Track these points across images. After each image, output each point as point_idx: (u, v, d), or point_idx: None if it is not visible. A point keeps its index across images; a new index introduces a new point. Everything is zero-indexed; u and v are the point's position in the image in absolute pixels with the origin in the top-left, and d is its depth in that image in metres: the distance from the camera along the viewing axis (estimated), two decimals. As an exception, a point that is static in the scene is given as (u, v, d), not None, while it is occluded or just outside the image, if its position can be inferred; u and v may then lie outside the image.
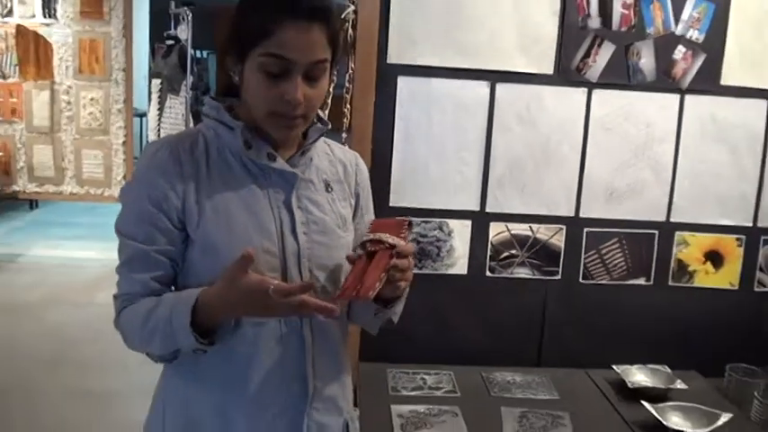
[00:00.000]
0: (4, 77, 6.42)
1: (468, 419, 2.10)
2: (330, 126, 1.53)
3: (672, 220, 2.57)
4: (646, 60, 2.47)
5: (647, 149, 2.51)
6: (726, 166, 2.56)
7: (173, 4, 6.83)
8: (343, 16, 2.44)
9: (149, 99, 6.73)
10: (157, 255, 1.38)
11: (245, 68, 1.35)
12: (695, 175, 2.55)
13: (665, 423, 2.03)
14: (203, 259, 1.39)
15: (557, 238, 2.53)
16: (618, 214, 2.54)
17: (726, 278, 2.63)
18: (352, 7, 2.48)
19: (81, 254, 6.51)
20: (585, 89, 2.47)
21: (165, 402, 1.51)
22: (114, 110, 6.41)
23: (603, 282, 2.57)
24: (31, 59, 6.33)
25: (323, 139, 1.56)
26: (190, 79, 6.38)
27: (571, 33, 2.44)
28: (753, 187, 2.59)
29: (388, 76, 2.41)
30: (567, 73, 2.46)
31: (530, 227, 2.52)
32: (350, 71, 2.49)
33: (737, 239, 2.62)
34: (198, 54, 7.80)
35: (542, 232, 2.53)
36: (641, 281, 2.59)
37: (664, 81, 2.49)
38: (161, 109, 6.48)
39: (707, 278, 2.62)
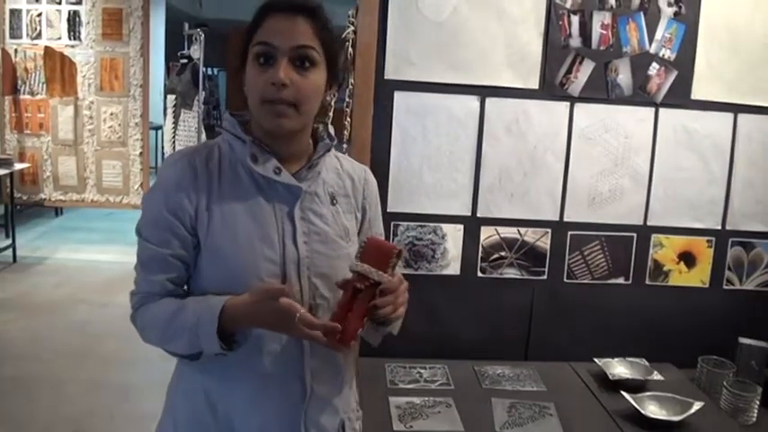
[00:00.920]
0: (33, 94, 6.43)
1: (461, 410, 2.08)
2: (336, 141, 1.50)
3: (648, 223, 2.55)
4: (623, 76, 2.46)
5: (625, 158, 2.50)
6: (697, 174, 2.55)
7: (186, 26, 6.84)
8: (343, 36, 2.42)
9: (164, 113, 6.73)
10: (172, 258, 1.39)
11: (247, 70, 1.38)
12: (669, 181, 2.53)
13: (642, 411, 2.03)
14: (210, 264, 1.39)
15: (543, 240, 2.51)
16: (599, 218, 2.52)
17: (698, 277, 2.62)
18: (352, 28, 2.46)
19: (101, 257, 6.50)
20: (568, 103, 2.46)
21: (176, 396, 1.50)
22: (132, 123, 6.42)
23: (586, 281, 2.55)
24: (57, 78, 6.34)
25: (333, 152, 1.54)
26: (202, 95, 6.39)
27: (554, 51, 2.42)
28: (721, 193, 2.58)
29: (385, 91, 2.40)
30: (551, 88, 2.44)
31: (518, 230, 2.50)
32: (350, 87, 2.47)
33: (708, 241, 2.60)
34: (209, 72, 7.80)
35: (529, 235, 2.51)
36: (621, 280, 2.57)
37: (640, 95, 2.48)
38: (175, 122, 6.48)
39: (680, 277, 2.60)
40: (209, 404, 1.43)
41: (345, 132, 2.55)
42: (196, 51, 6.46)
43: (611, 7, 2.42)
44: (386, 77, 2.39)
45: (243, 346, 1.37)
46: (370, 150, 2.40)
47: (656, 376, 2.34)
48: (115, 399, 3.81)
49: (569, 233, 2.52)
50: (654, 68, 2.47)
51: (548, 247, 2.52)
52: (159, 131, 8.58)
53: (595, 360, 2.36)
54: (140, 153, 6.48)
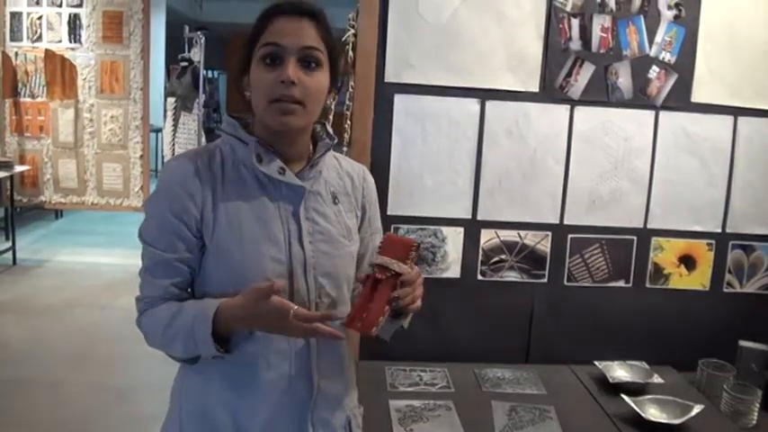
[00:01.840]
0: (34, 97, 6.43)
1: (462, 413, 2.08)
2: (337, 141, 1.51)
3: (649, 226, 2.55)
4: (623, 80, 2.46)
5: (625, 161, 2.50)
6: (697, 177, 2.55)
7: (187, 29, 6.84)
8: (343, 39, 2.43)
9: (165, 116, 6.73)
10: (177, 263, 1.39)
11: (251, 73, 1.38)
12: (669, 184, 2.53)
13: (642, 415, 2.02)
14: (217, 265, 1.39)
15: (543, 243, 2.51)
16: (599, 221, 2.52)
17: (698, 280, 2.61)
18: (352, 31, 2.47)
19: (102, 259, 6.50)
20: (568, 106, 2.46)
21: (182, 397, 1.49)
22: (132, 126, 6.42)
23: (586, 284, 2.55)
24: (57, 81, 6.34)
25: (332, 152, 1.55)
26: (202, 98, 6.39)
27: (555, 55, 2.42)
28: (721, 196, 2.58)
29: (385, 94, 2.40)
30: (551, 91, 2.44)
31: (518, 233, 2.50)
32: (350, 90, 2.47)
33: (708, 244, 2.60)
34: (210, 74, 7.81)
35: (530, 238, 2.51)
36: (621, 283, 2.57)
37: (640, 99, 2.48)
38: (175, 125, 6.48)
39: (681, 280, 2.60)
40: (217, 404, 1.43)
41: (346, 135, 2.56)
42: (196, 54, 6.46)
43: (611, 10, 2.42)
44: (386, 80, 2.39)
45: (248, 347, 1.38)
46: (371, 153, 2.40)
47: (657, 379, 2.34)
48: (115, 401, 3.80)
49: (569, 236, 2.52)
50: (654, 71, 2.47)
51: (548, 250, 2.52)
52: (159, 134, 8.59)
53: (596, 363, 2.36)
54: (141, 156, 6.48)
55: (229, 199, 1.39)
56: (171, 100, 6.57)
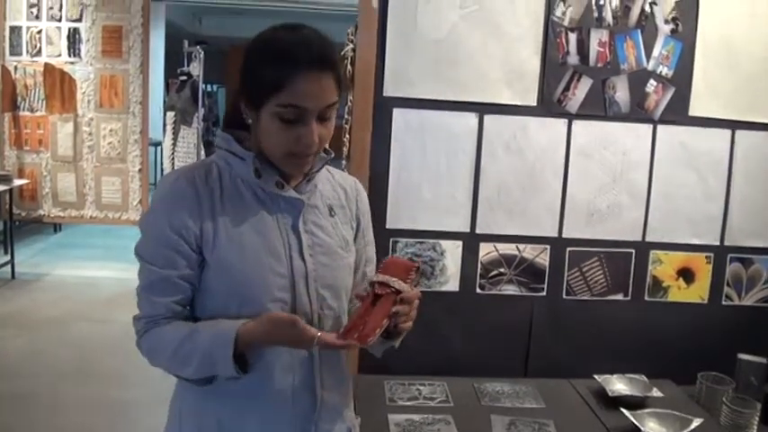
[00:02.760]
0: (33, 111, 6.44)
1: (461, 427, 2.07)
2: (333, 155, 1.51)
3: (647, 239, 2.55)
4: (621, 93, 2.47)
5: (623, 175, 2.51)
6: (695, 190, 2.56)
7: (186, 44, 6.87)
8: (342, 53, 2.43)
9: (164, 130, 6.74)
10: (179, 279, 1.37)
11: (261, 115, 1.34)
12: (668, 198, 2.54)
13: (642, 429, 2.01)
14: (218, 281, 1.38)
15: (541, 257, 2.52)
16: (598, 235, 2.53)
17: (696, 293, 2.62)
18: (351, 45, 2.48)
19: (100, 273, 6.49)
20: (566, 120, 2.47)
21: (182, 412, 1.48)
22: (131, 140, 6.42)
23: (585, 297, 2.55)
24: (56, 94, 6.35)
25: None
26: (201, 111, 6.40)
27: (552, 69, 2.44)
28: (719, 209, 2.59)
29: (384, 108, 2.40)
30: (549, 105, 2.45)
31: (516, 247, 2.51)
32: (349, 104, 2.48)
33: (706, 257, 2.61)
34: (209, 88, 7.82)
35: (528, 252, 2.51)
36: (620, 296, 2.57)
37: (637, 112, 2.49)
38: (175, 139, 6.49)
39: (679, 293, 2.61)
40: (219, 418, 1.42)
41: (345, 149, 2.56)
42: (195, 68, 6.48)
43: (609, 25, 2.43)
44: (385, 95, 2.40)
45: (256, 356, 1.38)
46: (369, 167, 2.41)
47: (656, 393, 2.33)
48: (114, 416, 3.79)
49: (568, 249, 2.53)
50: (651, 85, 2.48)
51: (546, 263, 2.52)
52: (158, 148, 8.60)
53: (595, 377, 2.36)
54: (139, 169, 6.48)
55: (228, 214, 1.38)
56: (170, 114, 6.58)
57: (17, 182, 6.35)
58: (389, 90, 2.40)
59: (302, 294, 1.41)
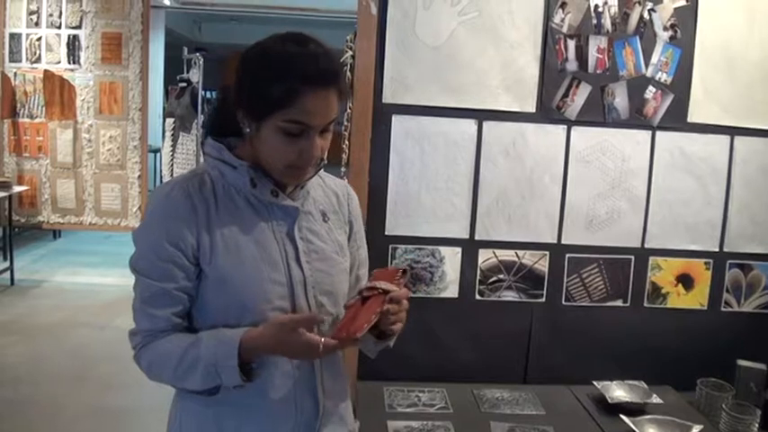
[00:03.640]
0: (32, 117, 6.44)
1: (461, 434, 2.07)
2: (327, 162, 1.51)
3: (646, 246, 2.55)
4: (620, 100, 2.47)
5: (622, 181, 2.51)
6: (694, 196, 2.55)
7: (185, 50, 6.87)
8: (341, 60, 2.43)
9: (163, 136, 6.74)
10: (177, 291, 1.36)
11: (263, 127, 1.33)
12: (667, 204, 2.54)
13: (642, 435, 2.01)
14: (216, 292, 1.37)
15: (541, 263, 2.52)
16: (597, 241, 2.52)
17: (696, 299, 2.61)
18: (350, 53, 2.48)
19: (99, 280, 6.49)
20: (565, 126, 2.47)
21: (182, 421, 1.47)
22: (131, 146, 6.42)
23: (584, 304, 2.55)
24: (56, 101, 6.35)
25: None
26: (201, 118, 6.39)
27: (551, 75, 2.44)
28: (718, 215, 2.58)
29: (383, 115, 2.41)
30: (547, 111, 2.45)
31: (516, 253, 2.50)
32: (348, 111, 2.48)
33: (705, 263, 2.60)
34: (208, 95, 7.83)
35: (527, 258, 2.51)
36: (619, 302, 2.57)
37: (636, 119, 2.49)
38: (174, 146, 6.49)
39: (678, 300, 2.60)
40: (220, 429, 1.42)
41: (344, 156, 2.56)
42: (195, 75, 6.48)
43: (608, 31, 2.44)
44: (384, 101, 2.40)
45: (258, 365, 1.38)
46: (369, 174, 2.41)
47: (655, 399, 2.34)
48: (114, 422, 3.78)
49: (567, 256, 2.52)
50: (650, 92, 2.48)
51: (546, 269, 2.52)
52: (158, 155, 8.60)
53: (594, 383, 2.35)
54: (139, 176, 6.48)
55: (224, 223, 1.38)
56: (170, 120, 6.58)
57: (17, 188, 6.35)
58: (388, 97, 2.40)
59: (301, 302, 1.41)
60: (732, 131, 2.54)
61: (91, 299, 5.95)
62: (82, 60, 6.37)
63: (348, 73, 2.45)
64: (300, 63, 1.29)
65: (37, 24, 6.36)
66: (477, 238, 2.48)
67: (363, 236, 1.68)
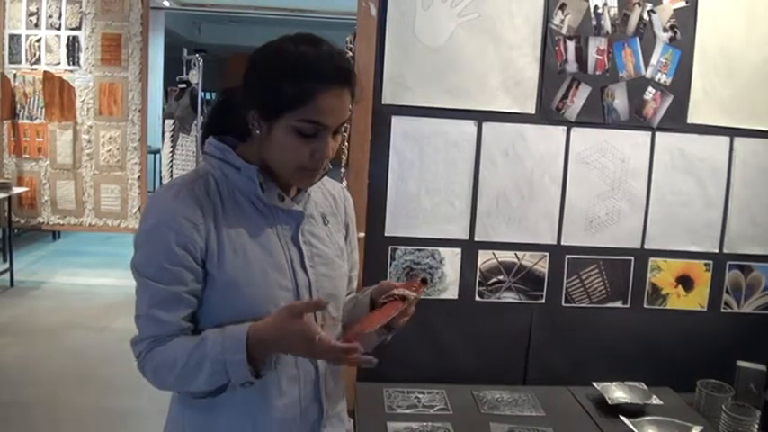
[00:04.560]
0: (32, 119, 6.44)
1: (460, 435, 2.06)
2: (331, 168, 1.51)
3: (646, 247, 2.55)
4: (619, 101, 2.47)
5: (622, 182, 2.51)
6: (694, 198, 2.56)
7: (185, 52, 6.88)
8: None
9: (163, 138, 6.74)
10: (187, 295, 1.34)
11: (274, 128, 1.32)
12: (666, 205, 2.54)
13: (642, 437, 2.01)
14: (224, 295, 1.35)
15: (540, 264, 2.52)
16: (597, 242, 2.53)
17: (696, 300, 2.62)
18: (350, 54, 2.48)
19: (99, 281, 6.49)
20: (565, 127, 2.47)
21: (185, 426, 1.46)
22: (130, 148, 6.42)
23: (584, 305, 2.55)
24: (56, 102, 6.35)
25: None
26: (200, 119, 6.40)
27: (551, 76, 2.44)
28: (718, 216, 2.59)
29: (382, 116, 2.41)
30: (547, 112, 2.45)
31: (515, 254, 2.51)
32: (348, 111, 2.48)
33: (705, 264, 2.60)
34: (208, 96, 7.83)
35: (527, 259, 2.51)
36: (619, 304, 2.57)
37: (636, 120, 2.49)
38: (174, 147, 6.49)
39: (678, 301, 2.60)
40: None
41: (343, 157, 2.56)
42: (195, 76, 6.49)
43: (607, 33, 2.44)
44: (383, 102, 2.40)
45: (261, 379, 1.35)
46: (368, 175, 2.41)
47: (655, 400, 2.33)
48: (113, 424, 3.78)
49: (567, 257, 2.53)
50: (650, 93, 2.48)
51: (545, 270, 2.52)
52: (157, 156, 8.60)
53: (594, 384, 2.35)
54: (138, 177, 6.48)
55: (231, 227, 1.36)
56: (169, 122, 6.59)
57: (16, 189, 6.34)
58: (388, 98, 2.40)
59: None
60: (732, 132, 2.54)
61: (91, 300, 5.94)
62: (81, 61, 6.37)
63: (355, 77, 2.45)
64: (316, 63, 1.29)
65: (36, 26, 6.36)
66: (476, 239, 2.48)
67: (356, 238, 1.68)
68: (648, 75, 2.48)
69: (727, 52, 2.49)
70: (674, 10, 2.46)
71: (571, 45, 2.43)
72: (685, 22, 2.46)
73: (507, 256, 2.51)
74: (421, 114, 2.41)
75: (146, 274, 1.33)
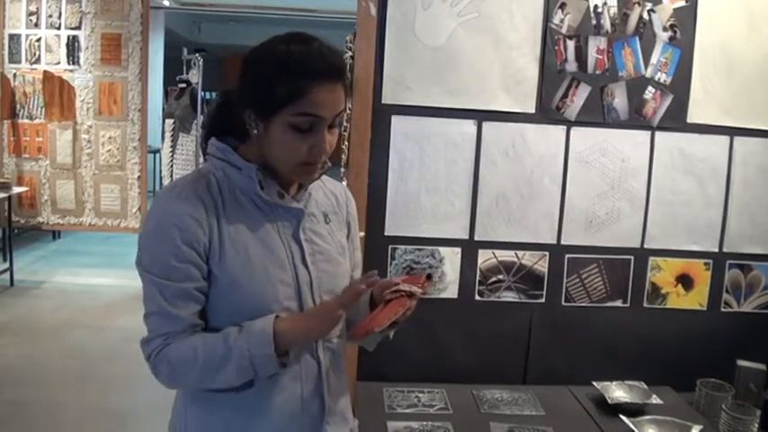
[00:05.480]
0: (32, 118, 6.44)
1: (460, 434, 2.07)
2: (330, 165, 1.51)
3: (646, 246, 2.56)
4: (619, 100, 2.47)
5: (622, 182, 2.51)
6: (693, 197, 2.56)
7: (185, 51, 6.87)
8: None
9: (163, 137, 6.73)
10: (196, 291, 1.35)
11: (271, 126, 1.34)
12: (666, 204, 2.54)
13: (642, 436, 2.01)
14: (225, 292, 1.37)
15: (540, 263, 2.52)
16: (596, 241, 2.53)
17: (695, 300, 2.62)
18: (350, 53, 2.48)
19: (99, 280, 6.48)
20: (564, 127, 2.47)
21: (187, 423, 1.47)
22: (130, 147, 6.42)
23: (584, 304, 2.55)
24: (55, 102, 6.35)
25: None
26: (200, 119, 6.39)
27: (551, 76, 2.44)
28: (718, 215, 2.59)
29: (382, 116, 2.41)
30: (547, 112, 2.45)
31: (515, 253, 2.51)
32: (348, 111, 2.48)
33: (705, 264, 2.61)
34: (208, 96, 7.82)
35: (527, 258, 2.51)
36: (618, 303, 2.57)
37: (636, 119, 2.49)
38: (174, 146, 6.48)
39: (678, 300, 2.61)
40: (227, 430, 1.42)
41: (343, 156, 2.56)
42: (194, 76, 6.48)
43: (607, 32, 2.44)
44: (383, 102, 2.40)
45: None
46: (368, 174, 2.41)
47: (655, 400, 2.34)
48: (114, 423, 3.77)
49: (567, 256, 2.53)
50: (650, 92, 2.48)
51: (545, 270, 2.52)
52: (157, 155, 8.60)
53: (594, 384, 2.35)
54: (138, 177, 6.47)
55: (232, 225, 1.38)
56: (169, 121, 6.58)
57: (16, 189, 6.34)
58: (388, 97, 2.40)
59: (308, 301, 1.42)
60: (731, 132, 2.54)
61: (91, 300, 5.94)
62: (81, 61, 6.37)
63: (348, 73, 2.45)
64: (308, 60, 1.31)
65: (36, 25, 6.36)
66: (476, 238, 2.49)
67: (358, 238, 1.68)
68: (648, 74, 2.48)
69: (727, 51, 2.50)
70: (674, 9, 2.46)
71: (571, 44, 2.43)
72: (685, 21, 2.46)
73: (507, 255, 2.51)
74: (421, 114, 2.42)
75: (154, 272, 1.35)
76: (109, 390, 4.18)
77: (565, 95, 2.45)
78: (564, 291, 2.54)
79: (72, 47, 6.36)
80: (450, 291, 2.50)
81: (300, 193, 1.48)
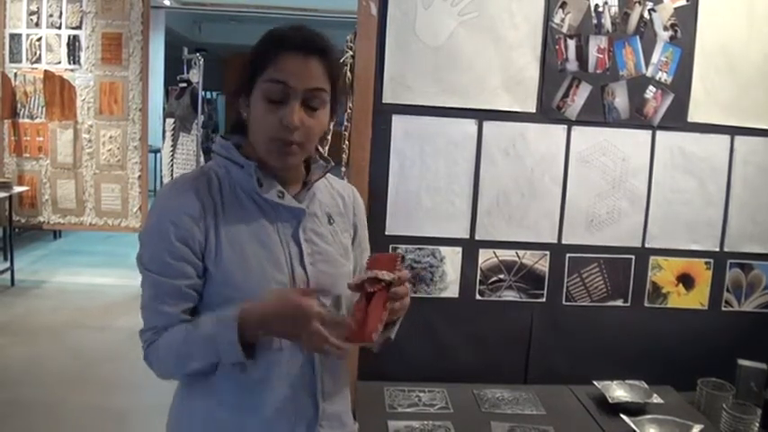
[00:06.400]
0: (32, 118, 6.45)
1: (461, 434, 2.06)
2: (333, 164, 1.51)
3: (647, 245, 2.55)
4: (620, 100, 2.47)
5: (623, 181, 2.51)
6: (694, 196, 2.56)
7: (186, 51, 6.88)
8: (342, 60, 2.44)
9: (163, 137, 6.74)
10: (188, 289, 1.37)
11: (252, 101, 1.37)
12: (667, 204, 2.54)
13: (643, 435, 2.01)
14: (221, 292, 1.38)
15: (541, 263, 2.52)
16: (597, 241, 2.52)
17: (696, 299, 2.62)
18: (350, 53, 2.48)
19: (100, 280, 6.49)
20: (565, 126, 2.47)
21: (181, 422, 1.48)
22: (131, 147, 6.42)
23: (585, 303, 2.55)
24: (56, 101, 6.36)
25: None
26: (201, 118, 6.40)
27: (551, 75, 2.44)
28: (719, 215, 2.59)
29: (383, 115, 2.41)
30: (548, 111, 2.45)
31: (516, 253, 2.51)
32: (348, 110, 2.49)
33: (706, 263, 2.60)
34: (208, 95, 7.83)
35: (528, 258, 2.51)
36: (619, 302, 2.57)
37: (636, 119, 2.49)
38: (174, 146, 6.49)
39: (679, 299, 2.60)
40: (221, 429, 1.42)
41: (343, 156, 2.56)
42: (195, 75, 6.49)
43: (608, 31, 2.44)
44: (384, 101, 2.40)
45: (253, 372, 1.38)
46: (369, 174, 2.41)
47: (656, 399, 2.33)
48: (114, 423, 3.78)
49: (568, 255, 2.53)
50: (650, 92, 2.48)
51: (546, 269, 2.52)
52: (158, 155, 8.61)
53: (595, 383, 2.35)
54: (139, 176, 6.48)
55: (230, 223, 1.38)
56: (170, 121, 6.59)
57: (17, 189, 6.35)
58: (388, 97, 2.40)
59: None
60: (732, 131, 2.54)
61: (91, 299, 5.94)
62: (82, 61, 6.38)
63: (348, 73, 2.45)
64: (284, 32, 1.36)
65: (37, 25, 6.36)
66: (477, 237, 2.49)
67: (367, 241, 1.68)
68: (649, 73, 2.48)
69: (728, 51, 2.49)
70: (675, 8, 2.45)
71: (572, 44, 2.43)
72: (686, 20, 2.46)
73: (508, 254, 2.51)
74: (421, 113, 2.41)
75: (150, 268, 1.37)
76: (109, 390, 4.18)
77: (565, 95, 2.45)
78: (565, 290, 2.54)
79: (73, 46, 6.36)
80: (451, 290, 2.49)
81: (302, 193, 1.47)
